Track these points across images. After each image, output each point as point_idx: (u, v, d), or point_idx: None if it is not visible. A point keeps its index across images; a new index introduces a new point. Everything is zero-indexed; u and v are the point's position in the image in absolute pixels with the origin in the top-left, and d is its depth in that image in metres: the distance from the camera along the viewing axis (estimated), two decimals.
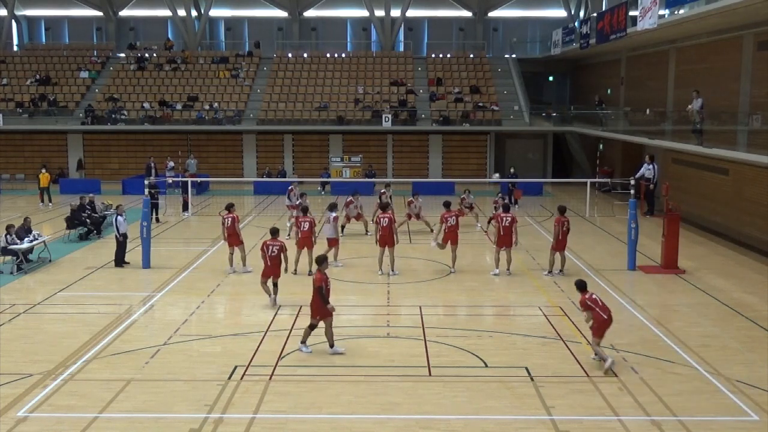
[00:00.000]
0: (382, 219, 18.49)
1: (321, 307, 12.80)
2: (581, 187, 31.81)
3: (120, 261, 19.67)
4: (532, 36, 47.31)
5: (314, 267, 18.60)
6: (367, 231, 23.55)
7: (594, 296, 12.45)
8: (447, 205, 19.57)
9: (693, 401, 10.98)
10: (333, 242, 19.24)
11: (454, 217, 18.95)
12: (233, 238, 18.96)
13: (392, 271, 18.51)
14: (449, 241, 18.83)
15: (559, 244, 18.58)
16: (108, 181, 36.53)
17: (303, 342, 13.03)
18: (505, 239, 18.58)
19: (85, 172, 38.76)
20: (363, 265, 19.21)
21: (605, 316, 12.25)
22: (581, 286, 12.56)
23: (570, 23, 40.25)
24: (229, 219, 18.97)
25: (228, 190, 34.51)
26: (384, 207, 19.77)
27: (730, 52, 24.69)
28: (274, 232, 16.30)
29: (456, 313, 15.85)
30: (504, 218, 18.61)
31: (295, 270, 18.54)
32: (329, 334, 12.91)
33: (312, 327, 12.96)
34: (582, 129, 37.45)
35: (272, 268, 15.74)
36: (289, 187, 25.95)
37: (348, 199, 23.78)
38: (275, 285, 15.86)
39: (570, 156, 42.01)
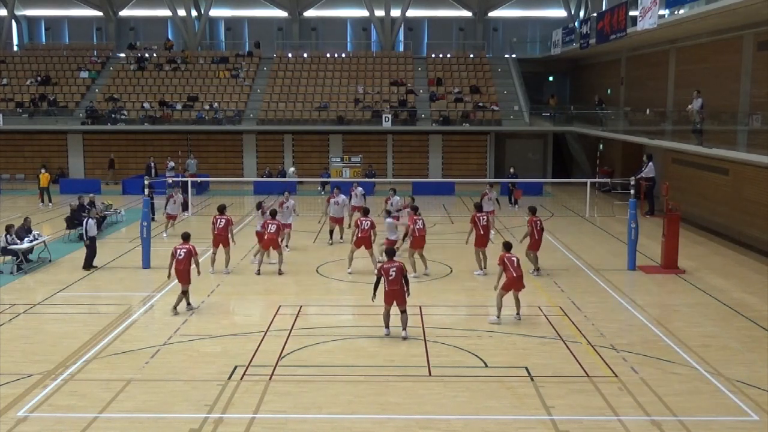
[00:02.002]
0: (363, 222, 18.62)
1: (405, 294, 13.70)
2: (581, 187, 31.81)
3: (89, 265, 19.32)
4: (532, 36, 47.31)
5: (284, 267, 18.66)
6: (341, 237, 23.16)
7: (513, 258, 14.72)
8: (415, 209, 19.30)
9: (693, 401, 10.98)
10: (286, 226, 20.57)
11: (421, 221, 18.60)
12: (222, 239, 19.00)
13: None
14: (418, 247, 18.41)
15: (535, 244, 18.46)
16: (108, 181, 36.52)
17: (404, 329, 13.72)
18: (484, 239, 18.64)
19: (114, 172, 38.48)
20: (363, 265, 19.19)
21: (515, 275, 14.58)
22: (507, 247, 15.23)
23: (570, 23, 40.26)
24: (222, 221, 18.96)
25: (228, 190, 34.51)
26: (366, 211, 19.68)
27: (730, 52, 24.69)
28: (186, 236, 15.87)
29: (456, 313, 15.85)
30: (480, 218, 18.61)
31: (258, 271, 18.63)
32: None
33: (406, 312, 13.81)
34: (582, 129, 37.46)
35: (179, 273, 15.30)
36: (168, 194, 24.51)
37: (329, 195, 23.56)
38: (184, 293, 15.41)
39: (570, 156, 42.01)
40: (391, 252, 14.26)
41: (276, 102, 40.89)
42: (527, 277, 18.64)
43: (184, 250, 15.29)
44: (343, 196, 23.10)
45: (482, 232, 18.50)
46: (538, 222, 18.46)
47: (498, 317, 14.69)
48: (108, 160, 38.70)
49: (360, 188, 25.38)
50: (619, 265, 19.72)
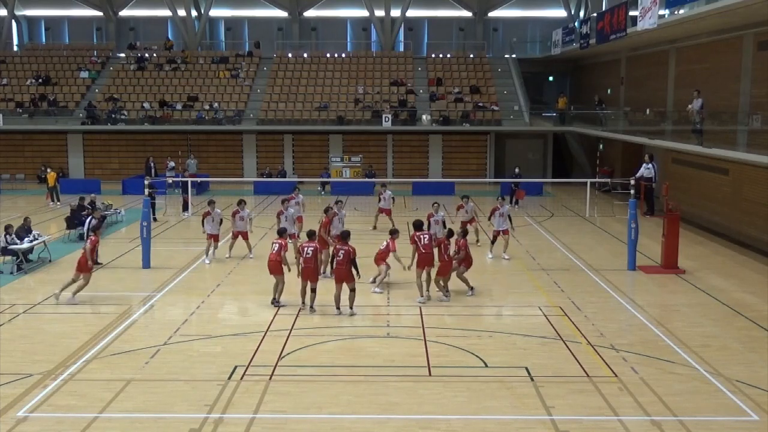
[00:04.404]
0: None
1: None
2: (581, 187, 31.81)
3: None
4: (532, 36, 47.32)
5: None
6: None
7: (422, 236, 15.86)
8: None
9: (693, 401, 10.98)
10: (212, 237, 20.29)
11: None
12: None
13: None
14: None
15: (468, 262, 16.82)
16: (108, 181, 36.53)
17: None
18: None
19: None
20: (362, 265, 19.15)
21: (423, 251, 15.76)
22: (417, 225, 16.29)
23: (570, 23, 40.26)
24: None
25: (228, 190, 34.51)
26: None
27: (730, 52, 24.69)
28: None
29: (456, 313, 15.83)
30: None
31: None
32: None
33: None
34: (582, 129, 37.46)
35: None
36: (204, 211, 20.84)
37: (290, 195, 22.96)
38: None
39: (570, 156, 42.02)
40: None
41: (276, 102, 40.90)
42: (538, 277, 18.68)
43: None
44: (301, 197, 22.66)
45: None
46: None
47: (422, 297, 15.96)
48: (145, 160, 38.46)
49: (389, 192, 25.13)
50: (619, 265, 19.72)
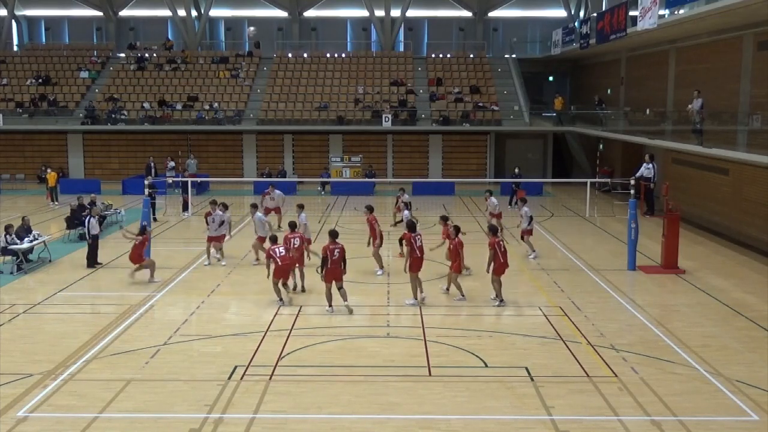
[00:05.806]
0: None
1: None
2: (581, 187, 31.82)
3: (92, 262, 19.45)
4: (532, 36, 47.33)
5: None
6: (279, 226, 23.91)
7: (417, 237, 15.88)
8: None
9: (693, 401, 10.98)
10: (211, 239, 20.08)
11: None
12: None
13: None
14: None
15: (501, 268, 16.04)
16: (108, 181, 36.53)
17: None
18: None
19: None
20: (362, 265, 19.19)
21: (418, 254, 15.79)
22: (411, 227, 16.22)
23: (570, 23, 40.27)
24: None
25: (228, 190, 34.50)
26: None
27: (730, 52, 24.69)
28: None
29: (456, 313, 15.84)
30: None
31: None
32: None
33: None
34: (582, 129, 37.47)
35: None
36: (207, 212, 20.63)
37: (265, 191, 24.85)
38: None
39: (570, 156, 42.02)
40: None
41: (276, 102, 40.90)
42: (538, 277, 18.69)
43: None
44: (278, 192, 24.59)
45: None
46: (501, 243, 16.15)
47: (415, 299, 15.98)
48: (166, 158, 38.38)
49: (406, 195, 25.17)
50: (619, 265, 19.72)
